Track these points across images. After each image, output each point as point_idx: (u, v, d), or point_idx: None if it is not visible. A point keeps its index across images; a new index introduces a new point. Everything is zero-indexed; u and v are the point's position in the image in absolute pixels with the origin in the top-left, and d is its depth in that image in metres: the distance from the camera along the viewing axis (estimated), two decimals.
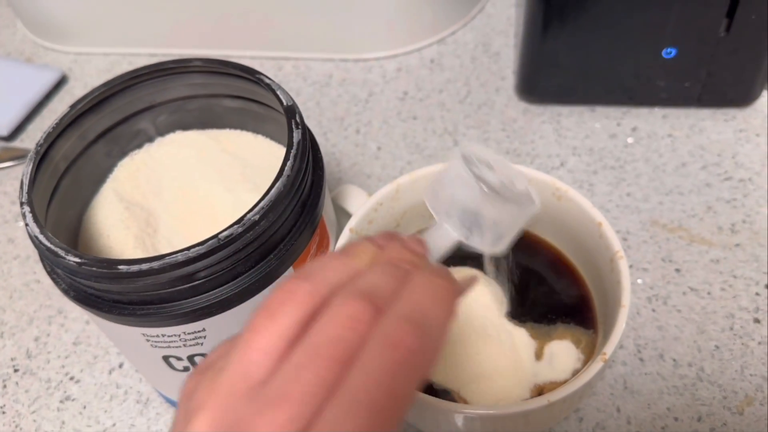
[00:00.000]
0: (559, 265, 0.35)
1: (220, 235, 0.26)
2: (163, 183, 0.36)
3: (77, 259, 0.26)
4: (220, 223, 0.35)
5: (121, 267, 0.26)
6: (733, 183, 0.44)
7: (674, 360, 0.37)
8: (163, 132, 0.37)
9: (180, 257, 0.26)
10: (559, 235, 0.35)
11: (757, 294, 0.39)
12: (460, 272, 0.34)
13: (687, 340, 0.38)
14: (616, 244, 0.32)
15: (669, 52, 0.44)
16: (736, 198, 0.43)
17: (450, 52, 0.54)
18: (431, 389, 0.31)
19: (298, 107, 0.31)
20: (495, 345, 0.32)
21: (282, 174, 0.28)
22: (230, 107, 0.36)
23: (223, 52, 0.55)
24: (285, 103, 0.30)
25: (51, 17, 0.56)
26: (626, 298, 0.30)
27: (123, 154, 0.36)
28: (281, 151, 0.37)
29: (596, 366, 0.28)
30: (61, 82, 0.56)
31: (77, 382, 0.40)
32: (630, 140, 0.47)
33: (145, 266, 0.26)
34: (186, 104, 0.36)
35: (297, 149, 0.29)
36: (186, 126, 0.37)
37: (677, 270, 0.41)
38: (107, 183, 0.36)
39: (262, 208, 0.27)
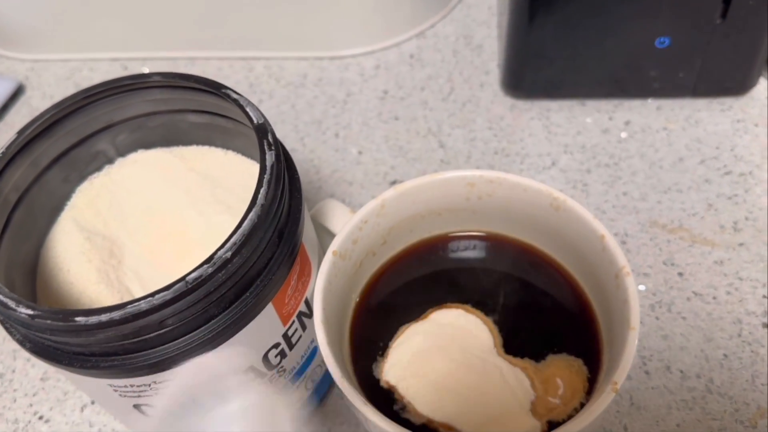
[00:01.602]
0: (560, 281, 0.33)
1: (187, 278, 0.24)
2: (126, 208, 0.33)
3: (29, 311, 0.23)
4: (191, 249, 0.32)
5: (78, 319, 0.23)
6: (733, 177, 0.42)
7: (681, 372, 0.35)
8: (123, 152, 0.34)
9: (144, 305, 0.23)
10: (558, 248, 0.33)
11: (764, 296, 0.37)
12: (449, 312, 0.32)
13: (694, 350, 0.36)
14: (621, 258, 0.29)
15: (662, 42, 0.42)
16: (737, 194, 0.41)
17: (430, 46, 0.51)
18: None
19: (269, 125, 0.28)
20: (498, 383, 0.29)
21: (255, 203, 0.25)
22: (196, 122, 0.33)
23: (189, 54, 0.52)
24: (255, 122, 0.27)
25: (3, 23, 0.52)
26: (635, 319, 0.28)
27: (81, 178, 0.33)
28: (254, 167, 0.34)
29: (607, 398, 0.26)
30: (17, 93, 0.52)
31: (47, 421, 0.37)
32: (624, 135, 0.45)
33: (104, 317, 0.23)
34: (147, 121, 0.33)
35: (271, 174, 0.26)
36: (149, 144, 0.34)
37: (680, 274, 0.39)
38: (65, 211, 0.33)
39: (235, 243, 0.24)
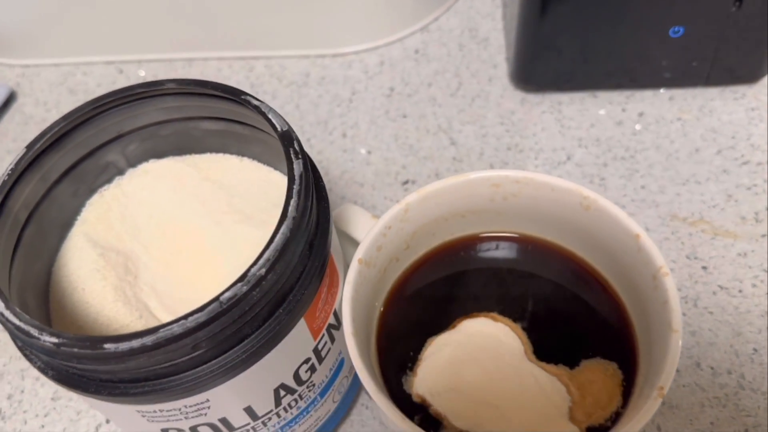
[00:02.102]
0: (591, 282, 0.32)
1: (221, 298, 0.22)
2: (139, 221, 0.32)
3: (54, 339, 0.22)
4: (209, 261, 0.31)
5: (107, 346, 0.22)
6: (751, 167, 0.41)
7: (712, 368, 0.35)
8: (134, 162, 0.32)
9: (177, 329, 0.22)
10: (590, 248, 0.32)
11: None
12: (476, 321, 0.31)
13: (723, 345, 0.35)
14: (659, 258, 0.29)
15: (677, 31, 0.41)
16: (757, 183, 0.41)
17: (435, 41, 0.50)
18: None
19: (294, 132, 0.26)
20: (534, 391, 0.29)
21: (286, 215, 0.24)
22: (210, 130, 0.32)
23: (187, 54, 0.51)
24: (280, 129, 0.26)
25: None
26: (677, 322, 0.27)
27: (91, 191, 0.32)
28: (271, 174, 0.33)
29: (654, 404, 0.25)
30: (9, 100, 0.50)
31: None
32: (638, 127, 0.44)
33: (136, 343, 0.22)
34: (159, 130, 0.31)
35: (300, 184, 0.25)
36: (160, 153, 0.33)
37: (704, 267, 0.38)
38: (76, 227, 0.31)
39: (268, 260, 0.23)
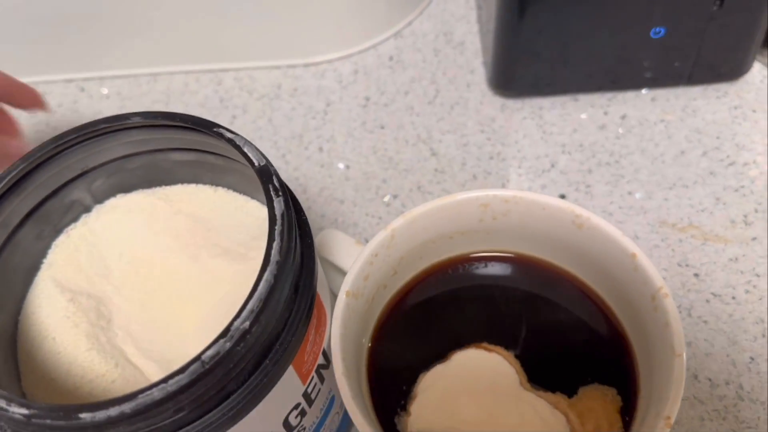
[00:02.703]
0: (587, 304, 0.31)
1: (203, 357, 0.21)
2: (109, 260, 0.30)
3: (24, 411, 0.20)
4: (186, 300, 0.29)
5: (83, 416, 0.20)
6: (738, 168, 0.41)
7: (710, 380, 0.34)
8: (101, 198, 0.30)
9: (157, 394, 0.20)
10: (585, 268, 0.31)
11: None
12: (467, 352, 0.30)
13: (719, 355, 0.35)
14: (658, 278, 0.28)
15: (658, 32, 0.40)
16: (744, 185, 0.40)
17: (409, 46, 0.49)
18: None
19: (272, 166, 0.25)
20: (534, 422, 0.28)
21: (269, 261, 0.22)
22: (180, 161, 0.30)
23: (152, 69, 0.48)
24: (257, 164, 0.25)
25: None
26: (680, 345, 0.26)
27: (57, 232, 0.30)
28: (248, 203, 0.31)
29: None
30: None
31: None
32: (621, 130, 0.43)
33: (114, 411, 0.20)
34: (126, 163, 0.30)
35: (282, 224, 0.23)
36: (128, 187, 0.31)
37: (696, 275, 0.37)
38: (42, 271, 0.29)
39: (252, 311, 0.21)
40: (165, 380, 0.20)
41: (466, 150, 0.43)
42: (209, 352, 0.21)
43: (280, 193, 0.24)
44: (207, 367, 0.21)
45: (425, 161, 0.43)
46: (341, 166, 0.43)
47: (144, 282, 0.30)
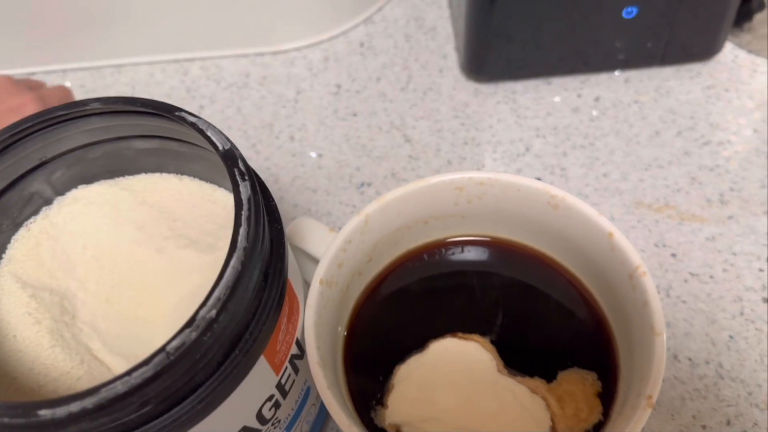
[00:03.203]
0: (564, 286, 0.31)
1: (168, 348, 0.20)
2: (72, 254, 0.29)
3: None
4: (153, 293, 0.28)
5: (42, 412, 0.19)
6: (713, 147, 0.40)
7: (690, 359, 0.34)
8: (62, 190, 0.29)
9: (120, 387, 0.19)
10: (561, 249, 0.31)
11: (760, 270, 0.36)
12: (443, 341, 0.29)
13: (699, 335, 0.35)
14: (635, 257, 0.27)
15: (630, 12, 0.40)
16: (719, 164, 0.40)
17: (380, 32, 0.48)
18: None
19: (237, 149, 0.24)
20: (513, 408, 0.27)
21: (235, 247, 0.22)
22: (143, 149, 0.29)
23: (115, 61, 0.47)
24: (221, 148, 0.24)
25: None
26: (660, 324, 0.26)
27: (16, 226, 0.29)
28: (215, 192, 0.30)
29: (643, 414, 0.24)
30: None
31: None
32: (595, 113, 0.42)
33: (75, 407, 0.19)
34: (86, 153, 0.28)
35: (249, 209, 0.22)
36: (90, 178, 0.29)
37: (673, 255, 0.37)
38: (2, 267, 0.28)
39: (219, 299, 0.21)
40: (128, 373, 0.20)
41: (440, 136, 0.43)
42: (174, 343, 0.20)
43: (246, 178, 0.23)
44: (172, 358, 0.20)
45: (399, 148, 0.42)
46: (313, 154, 0.42)
47: (109, 276, 0.29)
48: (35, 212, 0.29)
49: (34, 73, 0.47)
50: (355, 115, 0.44)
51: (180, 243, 0.29)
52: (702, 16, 0.41)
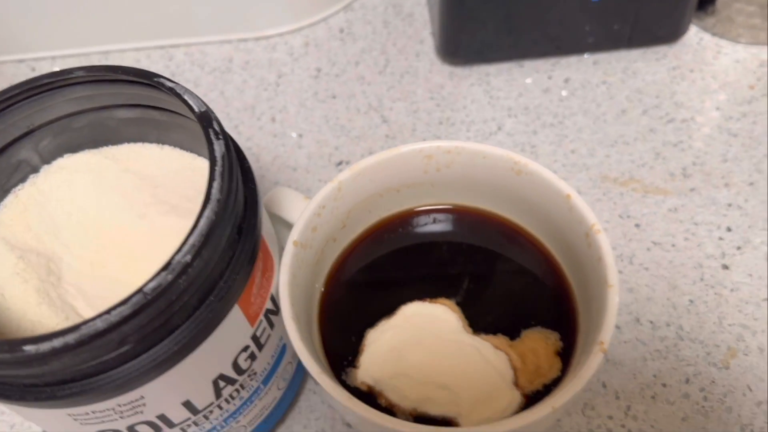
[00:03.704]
0: (528, 248, 0.32)
1: (145, 289, 0.21)
2: (59, 220, 0.30)
3: None
4: (136, 257, 0.30)
5: (27, 348, 0.21)
6: (677, 125, 0.42)
7: (651, 322, 0.36)
8: (48, 159, 0.31)
9: (100, 324, 0.21)
10: (523, 213, 0.32)
11: (720, 239, 0.38)
12: (413, 305, 0.31)
13: (660, 299, 0.36)
14: (591, 216, 0.29)
15: None
16: (682, 140, 0.42)
17: (359, 19, 0.49)
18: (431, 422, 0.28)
19: (213, 112, 0.25)
20: (479, 363, 0.29)
21: (209, 198, 0.23)
22: (126, 118, 0.30)
23: (102, 47, 0.49)
24: (197, 110, 0.25)
25: None
26: (613, 277, 0.27)
27: (4, 192, 0.30)
28: (195, 161, 0.32)
29: (596, 358, 0.26)
30: None
31: None
32: (564, 93, 0.44)
33: (57, 342, 0.21)
34: (71, 122, 0.30)
35: (223, 165, 0.24)
36: (75, 147, 0.31)
37: (637, 225, 0.39)
38: None
39: (193, 245, 0.22)
40: (108, 311, 0.21)
41: (417, 116, 0.44)
42: (151, 284, 0.21)
43: (221, 137, 0.24)
44: (149, 298, 0.21)
45: (376, 128, 0.44)
46: (294, 135, 0.44)
47: (93, 240, 0.30)
48: (23, 179, 0.30)
49: (22, 60, 0.49)
50: (334, 97, 0.45)
51: (161, 209, 0.30)
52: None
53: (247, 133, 0.44)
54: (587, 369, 0.25)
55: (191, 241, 0.22)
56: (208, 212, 0.23)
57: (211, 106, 0.45)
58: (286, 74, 0.47)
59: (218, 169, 0.24)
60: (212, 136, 0.24)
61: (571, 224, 0.30)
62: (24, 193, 0.30)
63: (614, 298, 0.27)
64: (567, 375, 0.29)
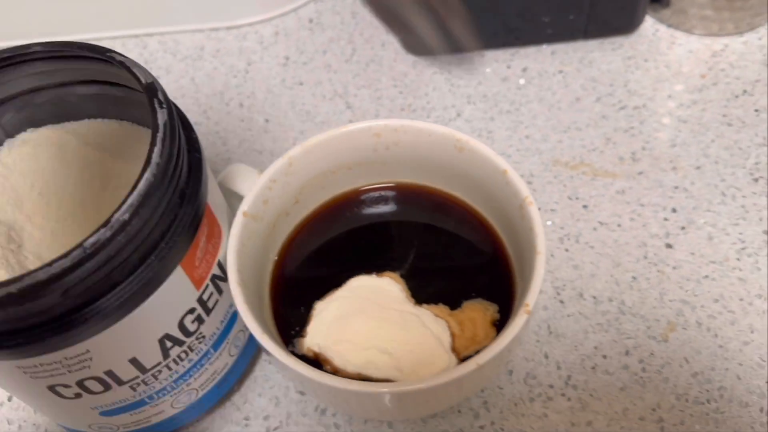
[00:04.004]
0: (470, 222, 0.34)
1: (85, 244, 0.23)
2: (21, 192, 0.32)
3: None
4: (96, 227, 0.31)
5: None
6: (629, 111, 0.44)
7: (594, 297, 0.37)
8: (11, 133, 0.32)
9: (41, 275, 0.22)
10: (464, 188, 0.34)
11: (665, 219, 0.39)
12: (360, 277, 0.32)
13: (604, 276, 0.38)
14: (524, 189, 0.30)
15: None
16: (633, 126, 0.43)
17: (328, 10, 0.51)
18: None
19: (159, 84, 0.27)
20: (419, 330, 0.30)
21: (150, 162, 0.25)
22: (85, 94, 0.32)
23: (76, 37, 0.50)
24: (144, 81, 0.27)
25: None
26: (541, 245, 0.29)
27: None
28: None
29: (520, 319, 0.27)
30: None
31: None
32: (522, 81, 0.46)
33: (1, 292, 0.22)
34: (34, 98, 0.31)
35: (164, 131, 0.25)
36: (38, 122, 0.32)
37: (585, 206, 0.40)
38: None
39: (132, 205, 0.24)
40: (50, 264, 0.22)
41: (380, 103, 0.46)
42: (90, 240, 0.23)
43: (164, 106, 0.26)
44: (88, 252, 0.23)
45: (341, 114, 0.45)
46: (261, 119, 0.45)
47: (55, 212, 0.32)
48: None
49: None
50: (301, 84, 0.47)
51: (120, 182, 0.32)
52: None
53: (215, 118, 0.46)
54: (511, 328, 0.27)
55: (130, 201, 0.24)
56: (147, 174, 0.24)
57: (181, 92, 0.47)
58: (255, 62, 0.48)
59: (159, 135, 0.25)
60: (156, 105, 0.26)
61: (508, 197, 0.31)
62: None
63: (541, 264, 0.28)
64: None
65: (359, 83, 0.47)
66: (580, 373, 0.35)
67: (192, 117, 0.45)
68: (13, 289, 0.22)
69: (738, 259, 0.37)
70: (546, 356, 0.35)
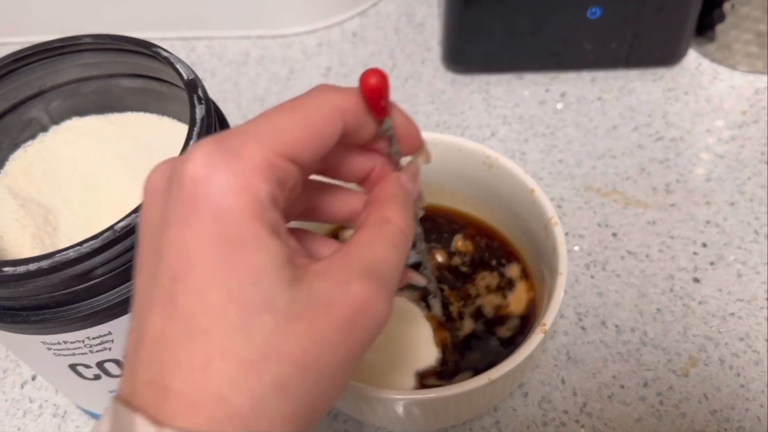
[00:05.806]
0: (494, 244, 0.34)
1: (116, 227, 0.24)
2: (61, 177, 0.33)
3: None
4: None
5: (6, 269, 0.23)
6: (665, 143, 0.43)
7: (616, 326, 0.37)
8: (57, 119, 0.33)
9: (72, 254, 0.23)
10: (491, 205, 0.34)
11: (694, 253, 0.39)
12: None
13: (628, 305, 0.37)
14: (550, 210, 0.30)
15: (594, 12, 0.43)
16: (669, 158, 0.43)
17: (372, 25, 0.52)
18: None
19: (200, 80, 0.28)
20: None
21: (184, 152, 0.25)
22: (130, 87, 0.33)
23: (129, 35, 0.52)
24: (185, 77, 0.28)
25: None
26: (563, 265, 0.29)
27: (14, 146, 0.33)
28: None
29: (536, 338, 0.27)
30: None
31: None
32: (559, 106, 0.46)
33: (33, 266, 0.23)
34: (80, 87, 0.33)
35: (201, 126, 0.26)
36: (82, 111, 0.34)
37: (614, 234, 0.40)
38: None
39: None
40: (80, 243, 0.23)
41: (415, 118, 0.46)
42: (122, 223, 0.24)
43: (203, 102, 0.27)
44: (118, 234, 0.23)
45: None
46: None
47: (91, 198, 0.33)
48: (32, 136, 0.33)
49: None
50: None
51: None
52: (664, 21, 0.44)
53: None
54: (526, 346, 0.27)
55: None
56: None
57: (224, 95, 0.48)
58: (297, 71, 0.49)
59: (196, 129, 0.26)
60: (195, 101, 0.27)
61: (534, 216, 0.31)
62: (32, 149, 0.33)
63: (561, 285, 0.28)
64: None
65: (397, 97, 0.47)
66: (596, 401, 0.34)
67: (231, 120, 0.46)
68: (44, 264, 0.23)
69: (766, 299, 0.37)
70: (563, 381, 0.35)
